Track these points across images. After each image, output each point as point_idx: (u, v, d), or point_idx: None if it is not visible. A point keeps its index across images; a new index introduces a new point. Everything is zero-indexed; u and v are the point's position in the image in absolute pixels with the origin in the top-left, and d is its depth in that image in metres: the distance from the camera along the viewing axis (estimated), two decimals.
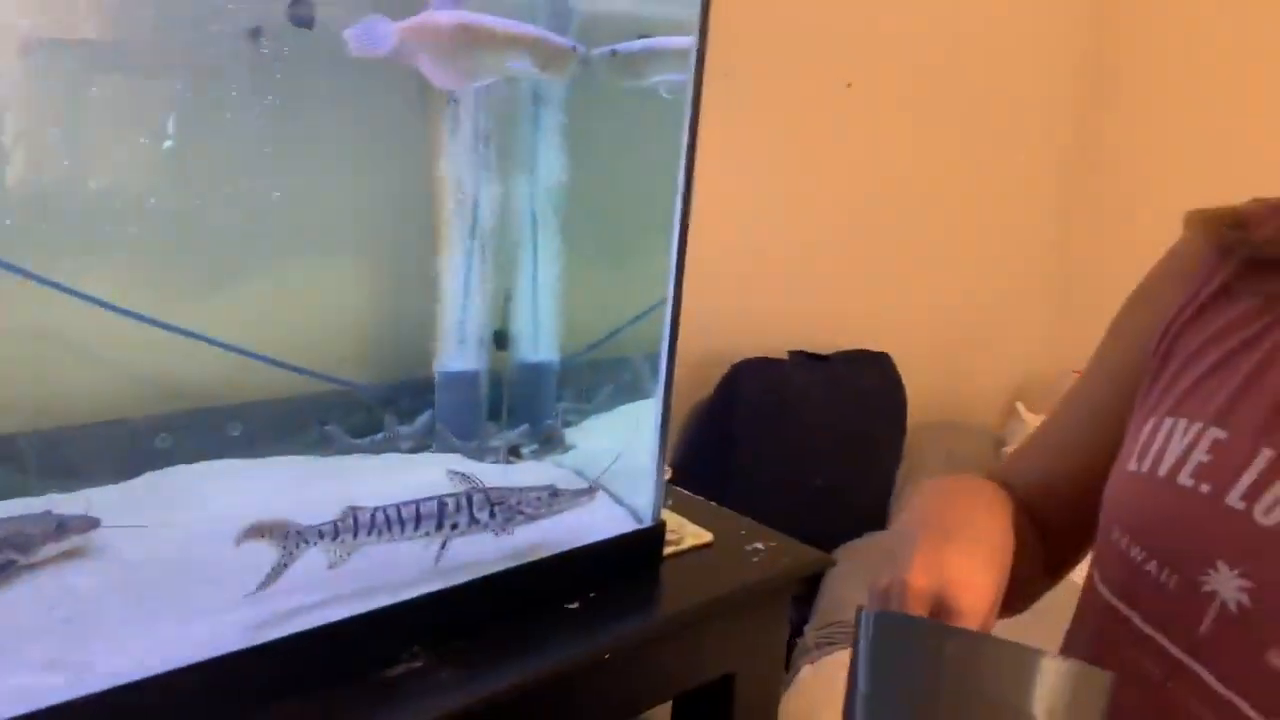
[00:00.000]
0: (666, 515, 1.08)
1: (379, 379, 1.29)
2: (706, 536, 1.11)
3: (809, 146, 2.00)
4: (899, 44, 2.07)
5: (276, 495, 1.04)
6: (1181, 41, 2.22)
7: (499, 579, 0.90)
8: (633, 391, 1.29)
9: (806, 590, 1.80)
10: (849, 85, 2.02)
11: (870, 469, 2.02)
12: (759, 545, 1.11)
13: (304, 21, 1.13)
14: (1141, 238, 2.24)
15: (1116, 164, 2.33)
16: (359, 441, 1.23)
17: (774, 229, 2.00)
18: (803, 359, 2.00)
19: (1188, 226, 0.74)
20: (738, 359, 1.92)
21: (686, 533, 1.11)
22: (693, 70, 0.97)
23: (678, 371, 1.99)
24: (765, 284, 2.00)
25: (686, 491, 1.27)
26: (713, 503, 1.24)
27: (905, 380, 2.07)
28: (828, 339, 2.06)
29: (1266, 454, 0.60)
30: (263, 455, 1.11)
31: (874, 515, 2.01)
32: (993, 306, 2.37)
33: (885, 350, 2.08)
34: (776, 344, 2.01)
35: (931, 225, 2.21)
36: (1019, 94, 2.31)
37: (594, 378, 1.44)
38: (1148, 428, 0.68)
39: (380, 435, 1.24)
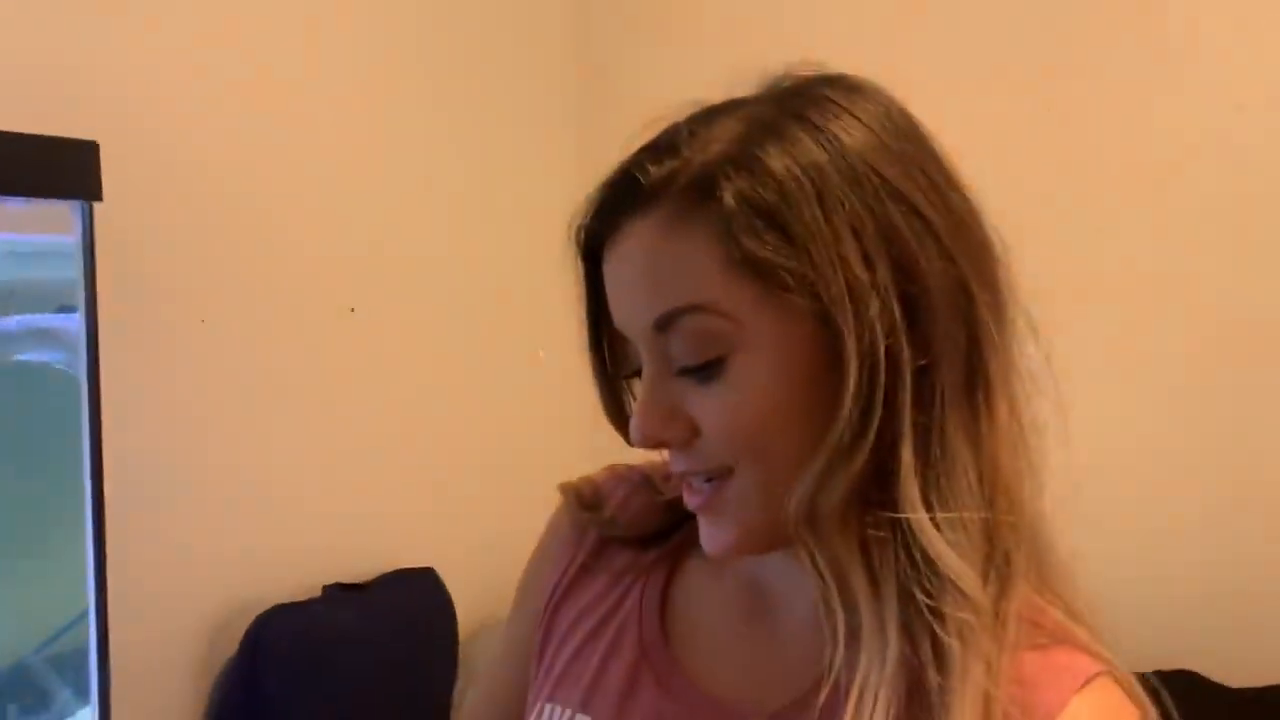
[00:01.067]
0: None
1: None
2: None
3: (316, 372, 1.96)
4: (405, 268, 2.12)
5: None
6: None
7: None
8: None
9: None
10: (352, 310, 2.02)
11: (422, 694, 1.95)
12: None
13: None
14: None
15: None
16: None
17: (294, 459, 1.93)
18: (337, 592, 1.91)
19: (561, 496, 0.78)
20: (266, 605, 1.80)
21: None
22: (85, 346, 0.91)
23: (197, 629, 1.82)
24: (292, 517, 1.92)
25: None
26: None
27: (453, 591, 2.05)
28: (369, 564, 2.00)
29: None
30: None
31: None
32: (526, 493, 2.43)
33: (429, 565, 2.05)
34: (315, 579, 1.92)
35: (451, 431, 2.24)
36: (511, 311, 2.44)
37: (51, 678, 1.27)
38: (533, 715, 0.69)
39: None
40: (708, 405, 0.55)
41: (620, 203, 0.57)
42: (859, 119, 0.55)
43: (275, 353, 1.89)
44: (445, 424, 2.22)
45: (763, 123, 0.55)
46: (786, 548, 0.58)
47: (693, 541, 0.67)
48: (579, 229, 0.61)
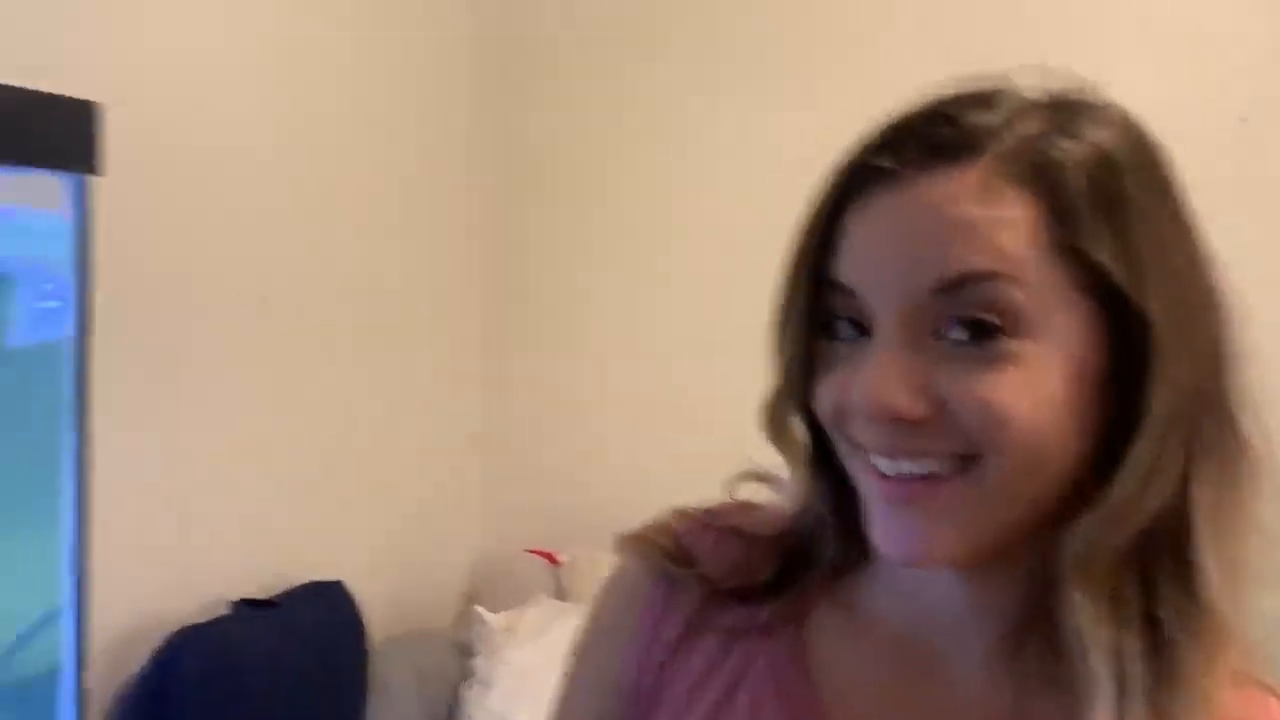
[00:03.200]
0: None
1: None
2: None
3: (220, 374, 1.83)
4: (315, 264, 2.01)
5: None
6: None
7: None
8: None
9: None
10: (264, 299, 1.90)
11: (335, 713, 1.85)
12: None
13: None
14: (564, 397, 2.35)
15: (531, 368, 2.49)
16: None
17: (196, 468, 1.78)
18: (246, 610, 1.79)
19: (622, 553, 0.69)
20: (170, 622, 1.65)
21: None
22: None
23: (99, 647, 1.66)
24: (193, 532, 1.77)
25: None
26: None
27: (362, 603, 1.95)
28: (278, 578, 1.88)
29: None
30: None
31: None
32: (429, 499, 2.36)
33: (338, 578, 1.95)
34: (220, 594, 1.78)
35: (355, 440, 2.14)
36: (427, 315, 2.37)
37: None
38: None
39: None
40: (976, 383, 0.50)
41: (933, 146, 0.51)
42: (1144, 135, 0.54)
43: (184, 351, 1.74)
44: (349, 431, 2.12)
45: (1072, 111, 0.53)
46: (973, 565, 0.55)
47: (814, 594, 0.63)
48: (852, 164, 0.54)
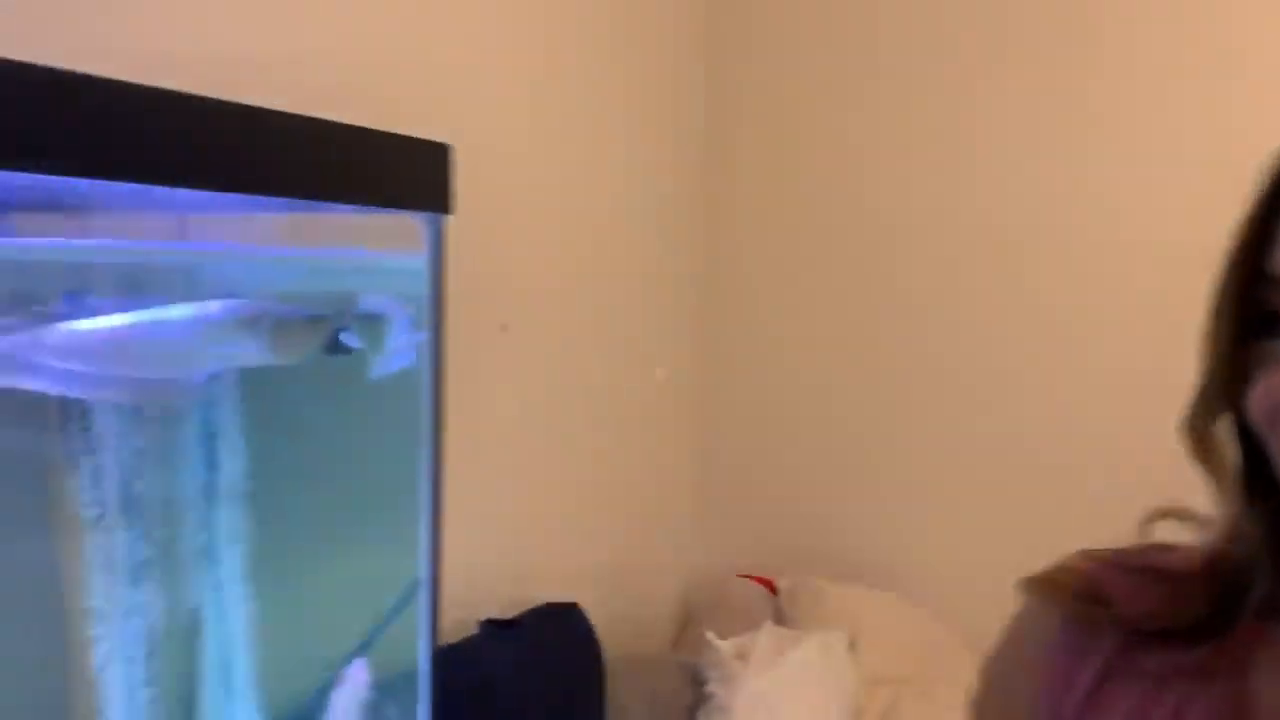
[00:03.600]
0: None
1: None
2: None
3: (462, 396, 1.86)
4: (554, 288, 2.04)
5: None
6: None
7: None
8: None
9: None
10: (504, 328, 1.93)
11: None
12: None
13: None
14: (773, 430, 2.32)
15: (741, 372, 2.47)
16: None
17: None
18: (494, 630, 1.81)
19: (1026, 595, 0.66)
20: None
21: None
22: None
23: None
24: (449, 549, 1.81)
25: None
26: None
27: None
28: (511, 599, 1.91)
29: None
30: None
31: None
32: (642, 523, 2.37)
33: (572, 600, 1.96)
34: (468, 614, 1.81)
35: (578, 462, 2.16)
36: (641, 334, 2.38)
37: None
38: None
39: None
40: None
41: None
42: None
43: None
44: (573, 453, 2.14)
45: None
46: None
47: (1252, 637, 0.58)
48: None
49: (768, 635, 2.01)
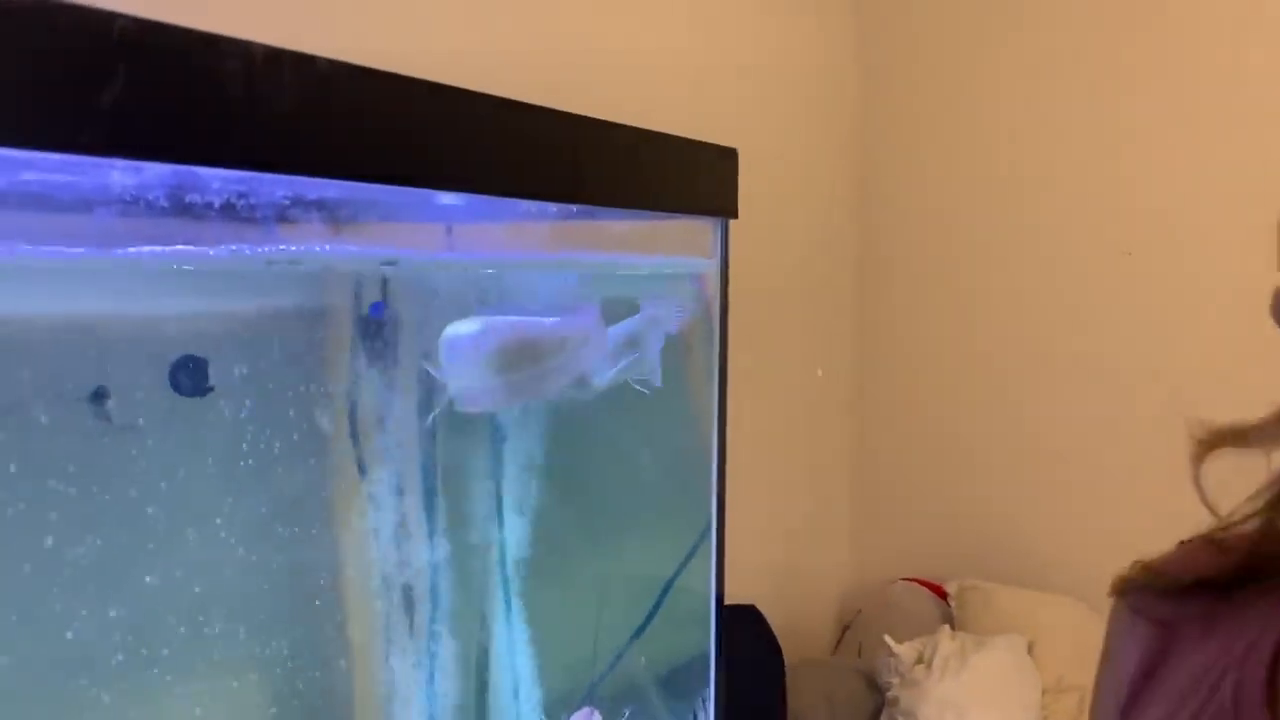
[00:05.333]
0: None
1: None
2: None
3: None
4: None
5: None
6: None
7: None
8: None
9: None
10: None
11: None
12: None
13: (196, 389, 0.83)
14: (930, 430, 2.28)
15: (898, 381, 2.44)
16: None
17: None
18: None
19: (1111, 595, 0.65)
20: None
21: None
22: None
23: None
24: None
25: None
26: None
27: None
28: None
29: None
30: None
31: None
32: (803, 525, 2.35)
33: (749, 601, 1.96)
34: None
35: (740, 463, 2.15)
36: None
37: None
38: None
39: None
40: None
41: None
42: None
43: None
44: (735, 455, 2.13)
45: None
46: None
47: None
48: None
49: (947, 640, 1.99)
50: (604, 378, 0.99)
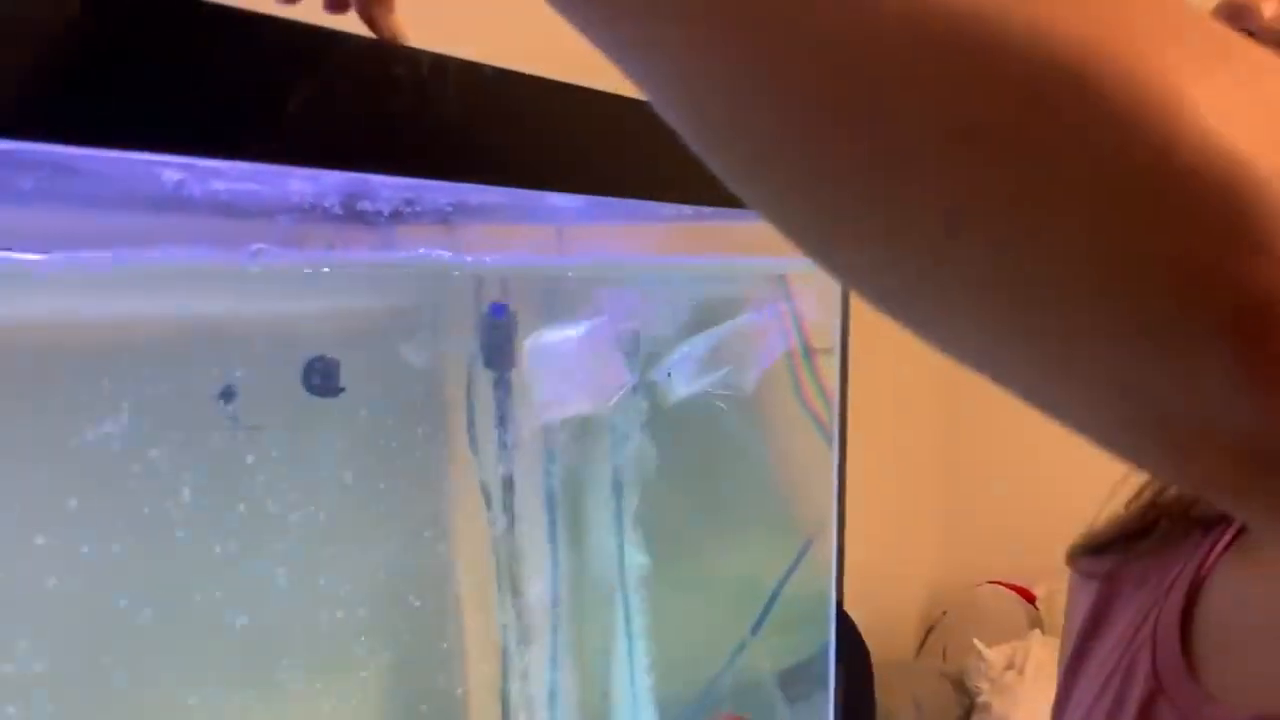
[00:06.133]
0: None
1: None
2: None
3: None
4: None
5: None
6: None
7: None
8: None
9: None
10: None
11: None
12: None
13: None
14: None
15: None
16: None
17: None
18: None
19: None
20: None
21: None
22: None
23: None
24: None
25: None
26: None
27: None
28: None
29: None
30: None
31: None
32: (889, 526, 2.32)
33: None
34: None
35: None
36: None
37: None
38: None
39: None
40: None
41: None
42: None
43: None
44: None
45: None
46: None
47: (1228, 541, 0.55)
48: None
49: (1040, 646, 1.95)
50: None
